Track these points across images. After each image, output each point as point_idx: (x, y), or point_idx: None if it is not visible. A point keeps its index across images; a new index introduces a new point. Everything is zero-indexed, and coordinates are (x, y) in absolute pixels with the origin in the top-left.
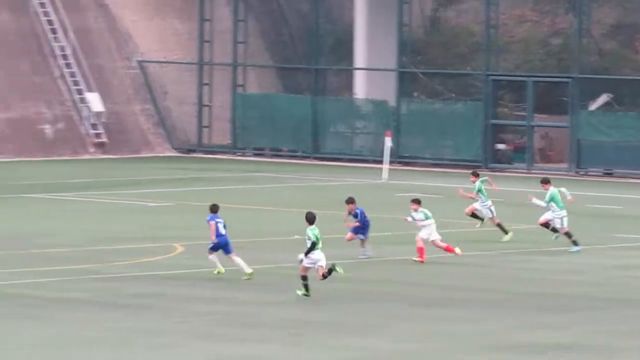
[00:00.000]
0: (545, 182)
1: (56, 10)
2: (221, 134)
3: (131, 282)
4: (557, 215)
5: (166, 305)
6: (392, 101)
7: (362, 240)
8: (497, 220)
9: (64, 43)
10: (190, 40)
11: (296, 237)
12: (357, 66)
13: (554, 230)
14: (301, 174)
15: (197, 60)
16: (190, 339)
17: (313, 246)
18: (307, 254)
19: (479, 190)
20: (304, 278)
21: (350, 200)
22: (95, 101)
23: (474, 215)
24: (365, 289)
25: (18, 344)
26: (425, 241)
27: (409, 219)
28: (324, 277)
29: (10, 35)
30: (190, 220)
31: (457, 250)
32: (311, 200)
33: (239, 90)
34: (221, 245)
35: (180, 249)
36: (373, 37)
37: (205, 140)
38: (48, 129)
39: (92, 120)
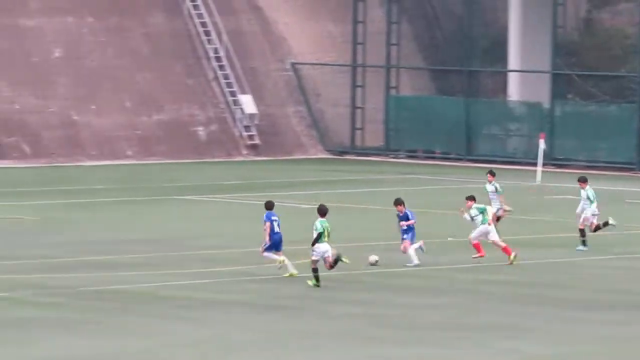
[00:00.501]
0: (583, 180)
1: (210, 12)
2: (374, 135)
3: (286, 284)
4: (592, 212)
5: (320, 307)
6: (545, 103)
7: (408, 243)
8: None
9: (217, 45)
10: (343, 43)
11: (450, 239)
12: (510, 68)
13: (605, 224)
14: (455, 176)
15: (350, 63)
16: (345, 341)
17: (319, 237)
18: (313, 244)
19: (497, 191)
20: (315, 270)
21: (398, 202)
22: (248, 103)
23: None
24: (517, 291)
25: (173, 345)
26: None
27: (467, 217)
28: (331, 267)
29: (164, 38)
30: (342, 222)
31: (514, 255)
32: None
33: (392, 92)
34: (275, 244)
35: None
36: (527, 39)
37: (358, 142)
38: (201, 131)
39: (245, 123)
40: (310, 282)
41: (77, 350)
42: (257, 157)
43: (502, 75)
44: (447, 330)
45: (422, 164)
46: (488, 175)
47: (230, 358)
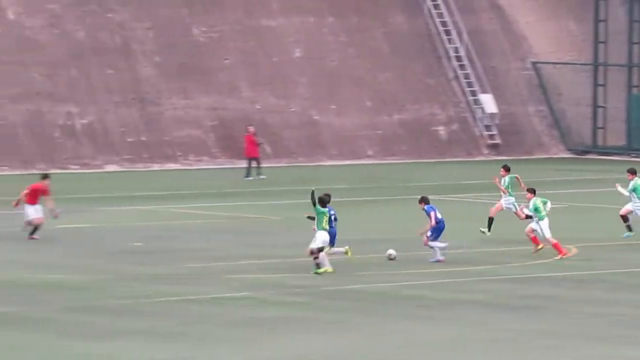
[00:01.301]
0: (632, 172)
1: (450, 12)
2: (616, 135)
3: (525, 284)
4: (637, 207)
5: (560, 307)
6: None
7: (429, 239)
8: (523, 216)
9: (457, 44)
10: (584, 42)
11: None
12: None
13: (629, 228)
14: None
15: (592, 61)
16: (585, 341)
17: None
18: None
19: (507, 186)
20: (315, 257)
21: (422, 199)
22: (489, 102)
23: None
24: None
25: (411, 345)
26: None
27: (525, 210)
28: (312, 253)
29: (404, 37)
30: (584, 222)
31: (565, 251)
32: None
33: (634, 91)
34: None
35: (574, 250)
36: None
37: (599, 142)
38: (442, 130)
39: (486, 122)
40: (319, 271)
41: (320, 348)
42: (498, 157)
43: None
44: None
45: None
46: (501, 169)
47: (469, 357)
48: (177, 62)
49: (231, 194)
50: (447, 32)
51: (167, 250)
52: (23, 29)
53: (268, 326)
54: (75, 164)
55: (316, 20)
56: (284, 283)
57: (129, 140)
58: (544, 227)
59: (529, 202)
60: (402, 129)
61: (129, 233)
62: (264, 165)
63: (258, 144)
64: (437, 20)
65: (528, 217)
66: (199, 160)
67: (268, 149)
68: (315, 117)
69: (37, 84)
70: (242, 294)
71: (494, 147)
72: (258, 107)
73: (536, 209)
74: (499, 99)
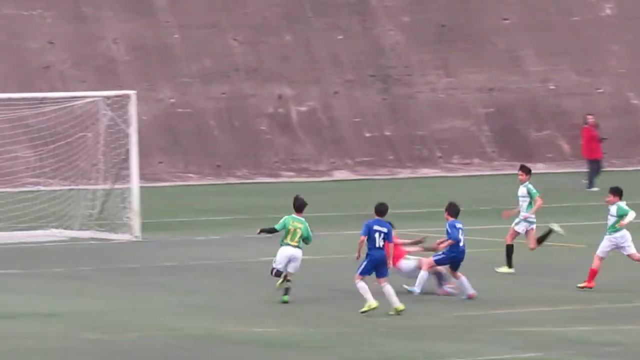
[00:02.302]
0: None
1: None
2: None
3: None
4: None
5: None
6: None
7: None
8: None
9: None
10: None
11: None
12: None
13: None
14: None
15: None
16: None
17: (271, 231)
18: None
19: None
20: (277, 275)
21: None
22: None
23: None
24: None
25: None
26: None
27: None
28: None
29: None
30: None
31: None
32: None
33: None
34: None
35: None
36: None
37: None
38: None
39: None
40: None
41: None
42: None
43: None
44: None
45: None
46: (520, 172)
47: None
48: (434, 23)
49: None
50: None
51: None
52: None
53: None
54: (290, 170)
55: None
56: (587, 339)
57: (366, 135)
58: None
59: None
60: None
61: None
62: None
63: (600, 140)
64: None
65: None
66: (467, 164)
67: (565, 146)
68: (634, 102)
69: (236, 56)
70: (527, 354)
71: None
72: (551, 87)
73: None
74: None
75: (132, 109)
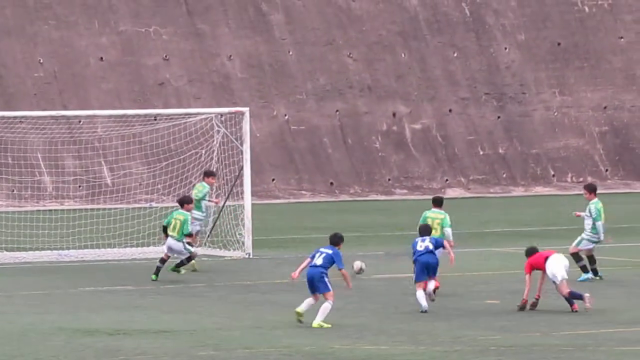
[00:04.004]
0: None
1: None
2: None
3: None
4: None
5: None
6: None
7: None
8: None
9: None
10: None
11: None
12: None
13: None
14: None
15: None
16: None
17: (164, 229)
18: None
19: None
20: (162, 262)
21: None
22: None
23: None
24: None
25: None
26: None
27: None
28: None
29: None
30: None
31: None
32: None
33: None
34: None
35: None
36: None
37: None
38: None
39: None
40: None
41: None
42: None
43: None
44: None
45: None
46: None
47: None
48: (550, 41)
49: (627, 230)
50: None
51: (532, 313)
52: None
53: None
54: (403, 188)
55: None
56: None
57: (481, 153)
58: None
59: None
60: None
61: (483, 285)
62: None
63: None
64: None
65: None
66: (581, 182)
67: None
68: None
69: (351, 73)
70: None
71: None
72: None
73: None
74: None
75: (246, 126)
